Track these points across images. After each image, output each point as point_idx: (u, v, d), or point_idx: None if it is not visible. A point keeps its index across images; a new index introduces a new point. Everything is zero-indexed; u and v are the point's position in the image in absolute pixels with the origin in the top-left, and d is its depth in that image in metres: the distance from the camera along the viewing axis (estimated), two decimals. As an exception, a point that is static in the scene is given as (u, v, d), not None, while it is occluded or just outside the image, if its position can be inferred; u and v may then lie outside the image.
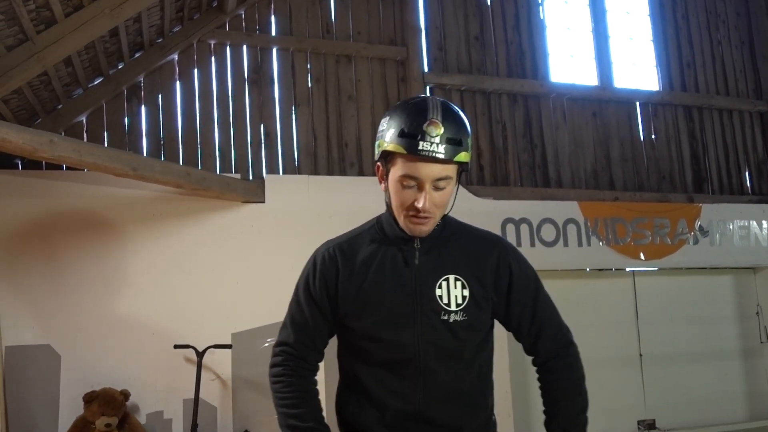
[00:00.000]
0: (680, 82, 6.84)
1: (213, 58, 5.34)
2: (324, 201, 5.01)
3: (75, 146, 3.69)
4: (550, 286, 6.04)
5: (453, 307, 1.47)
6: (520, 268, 1.60)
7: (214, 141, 5.25)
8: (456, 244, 1.54)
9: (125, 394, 4.25)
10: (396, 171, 1.41)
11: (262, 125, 5.42)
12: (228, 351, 4.59)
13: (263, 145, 5.38)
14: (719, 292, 6.42)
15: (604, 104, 6.50)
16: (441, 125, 1.36)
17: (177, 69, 5.23)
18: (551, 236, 5.62)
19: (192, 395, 4.31)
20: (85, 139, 4.79)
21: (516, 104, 6.21)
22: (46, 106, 4.67)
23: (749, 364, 6.39)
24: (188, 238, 4.72)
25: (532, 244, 5.53)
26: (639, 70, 6.82)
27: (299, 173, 5.37)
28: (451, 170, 1.41)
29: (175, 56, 5.21)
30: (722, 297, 6.44)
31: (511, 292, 1.57)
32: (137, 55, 5.07)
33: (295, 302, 1.59)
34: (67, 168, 4.60)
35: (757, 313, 6.46)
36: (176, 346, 4.43)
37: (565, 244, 5.65)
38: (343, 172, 5.49)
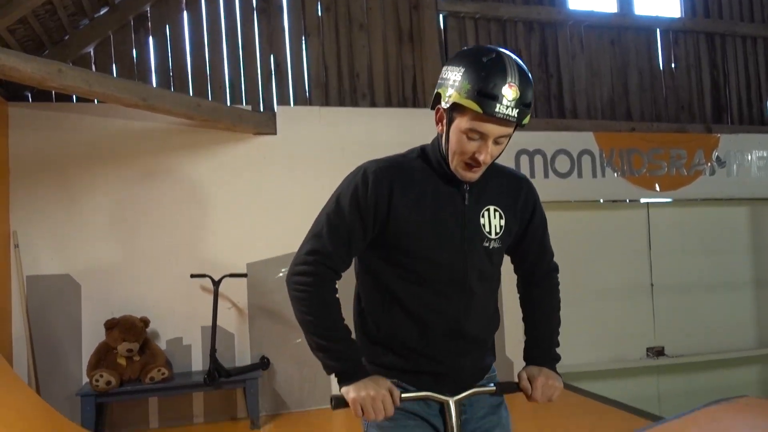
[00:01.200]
0: (703, 7, 6.59)
1: (220, -14, 5.21)
2: (336, 132, 4.97)
3: (84, 76, 3.67)
4: (563, 217, 6.09)
5: (493, 235, 1.59)
6: (539, 206, 1.72)
7: (223, 73, 5.19)
8: (494, 180, 1.62)
9: (145, 321, 4.37)
10: (463, 122, 1.43)
11: (272, 56, 5.33)
12: (243, 280, 4.68)
13: (273, 76, 5.31)
14: (734, 224, 6.38)
15: (623, 32, 6.30)
16: (518, 89, 1.39)
17: (184, -2, 5.12)
18: (565, 167, 5.57)
19: (209, 323, 4.44)
20: (94, 71, 4.74)
21: (532, 32, 6.04)
22: (52, 36, 4.61)
23: (761, 294, 6.42)
24: (201, 170, 4.73)
25: (546, 176, 5.49)
26: (660, -5, 6.58)
27: (310, 104, 5.31)
28: (512, 128, 1.46)
29: (182, -16, 5.09)
30: (737, 228, 6.41)
31: (530, 225, 1.70)
32: (143, -17, 4.96)
33: (336, 211, 1.53)
34: (77, 100, 4.60)
35: (772, 243, 6.43)
36: (193, 276, 4.52)
37: (579, 175, 5.61)
38: (354, 103, 5.43)
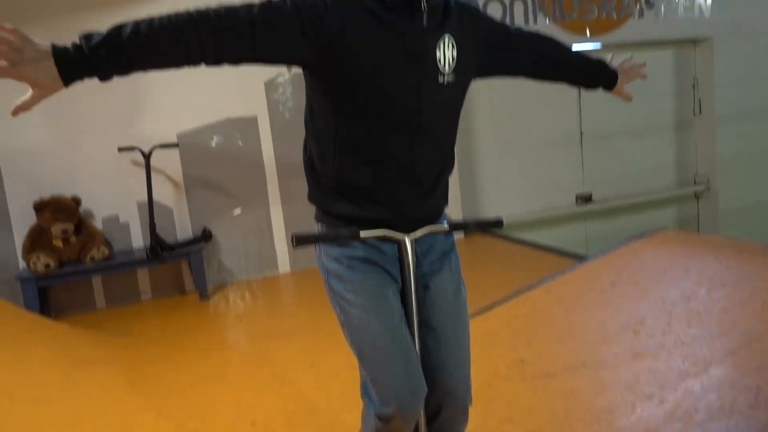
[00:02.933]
0: None
1: None
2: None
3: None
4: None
5: (447, 69, 1.52)
6: (488, 20, 1.68)
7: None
8: (451, 12, 1.53)
9: (76, 200, 4.22)
10: None
11: None
12: (176, 151, 4.52)
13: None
14: (659, 67, 6.52)
15: None
16: None
17: None
18: (497, 14, 5.45)
19: (145, 198, 4.32)
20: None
21: None
22: None
23: (681, 136, 6.74)
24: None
25: (478, 26, 5.36)
26: None
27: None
28: None
29: None
30: (662, 72, 6.56)
31: (494, 44, 1.66)
32: None
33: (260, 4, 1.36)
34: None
35: (693, 86, 6.65)
36: (120, 149, 4.33)
37: (512, 21, 5.51)
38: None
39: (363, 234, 1.49)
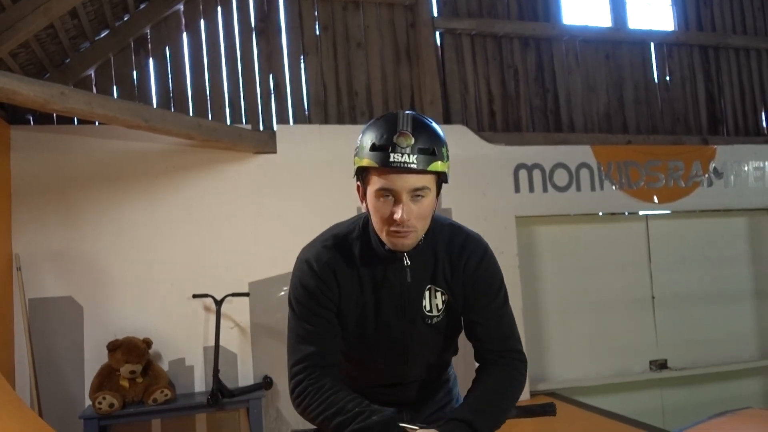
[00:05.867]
0: (696, 21, 6.68)
1: (219, 8, 5.26)
2: (335, 150, 5.00)
3: (86, 98, 3.69)
4: (562, 230, 6.09)
5: (435, 312, 1.57)
6: (484, 273, 1.60)
7: (223, 92, 5.22)
8: (437, 252, 1.57)
9: (147, 343, 4.36)
10: (372, 186, 1.41)
11: (271, 75, 5.37)
12: (246, 299, 4.68)
13: (273, 95, 5.35)
14: (732, 234, 6.41)
15: (618, 46, 6.37)
16: (411, 136, 1.36)
17: (183, 20, 5.16)
18: (564, 181, 5.60)
19: (212, 343, 4.43)
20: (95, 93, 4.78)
21: (528, 48, 6.10)
22: (54, 60, 4.65)
23: (761, 305, 6.43)
24: (202, 190, 4.75)
25: (545, 190, 5.52)
26: (654, 9, 6.66)
27: (309, 123, 5.34)
28: (428, 181, 1.40)
29: (181, 6, 5.14)
30: (735, 239, 6.43)
31: (472, 296, 1.59)
32: (142, 6, 5.02)
33: (298, 316, 1.52)
34: (79, 122, 4.63)
35: (772, 253, 6.46)
36: (195, 296, 4.53)
37: (578, 188, 5.64)
38: (353, 121, 5.47)
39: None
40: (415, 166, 1.35)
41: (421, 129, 1.39)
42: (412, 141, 1.36)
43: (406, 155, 1.35)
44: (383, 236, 1.45)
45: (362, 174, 1.44)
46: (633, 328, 5.96)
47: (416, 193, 1.39)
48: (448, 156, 1.44)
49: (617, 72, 6.35)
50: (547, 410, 1.52)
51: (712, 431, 3.52)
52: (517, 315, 1.76)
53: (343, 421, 1.37)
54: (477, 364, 1.62)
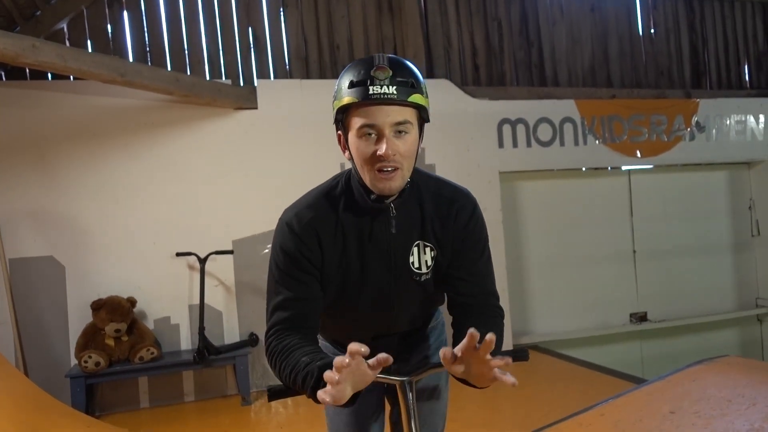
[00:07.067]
0: (682, -29, 6.59)
1: (194, -43, 5.09)
2: (317, 105, 4.90)
3: (58, 51, 3.57)
4: (546, 186, 6.10)
5: (423, 270, 1.55)
6: (474, 230, 1.58)
7: (201, 47, 5.09)
8: (423, 206, 1.54)
9: (131, 301, 4.34)
10: (353, 125, 1.37)
11: (250, 28, 5.23)
12: (230, 257, 4.66)
13: (252, 49, 5.22)
14: (713, 188, 6.48)
15: (603, -3, 6.29)
16: (389, 69, 1.34)
17: (157, -30, 4.98)
18: (547, 136, 5.59)
19: (197, 301, 4.43)
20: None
21: (512, 0, 5.99)
22: (24, 12, 4.49)
23: (739, 258, 6.55)
24: (182, 147, 4.67)
25: (529, 144, 5.50)
26: (639, -40, 6.56)
27: (291, 78, 5.24)
28: (409, 114, 1.37)
29: (155, -44, 4.96)
30: (716, 193, 6.50)
31: (460, 252, 1.57)
32: (114, -45, 4.83)
33: (277, 280, 1.48)
34: (53, 77, 4.49)
35: (750, 207, 6.55)
36: (178, 254, 4.49)
37: (562, 143, 5.63)
38: (335, 76, 5.35)
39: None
40: (395, 96, 1.33)
41: (397, 63, 1.37)
42: (390, 73, 1.34)
43: (385, 86, 1.33)
44: (368, 180, 1.41)
45: (343, 118, 1.40)
46: (614, 282, 6.05)
47: (399, 128, 1.36)
48: (427, 94, 1.42)
49: (602, 25, 6.28)
50: (520, 356, 1.53)
51: (689, 379, 3.62)
52: (500, 270, 1.76)
53: (296, 377, 1.35)
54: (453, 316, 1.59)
